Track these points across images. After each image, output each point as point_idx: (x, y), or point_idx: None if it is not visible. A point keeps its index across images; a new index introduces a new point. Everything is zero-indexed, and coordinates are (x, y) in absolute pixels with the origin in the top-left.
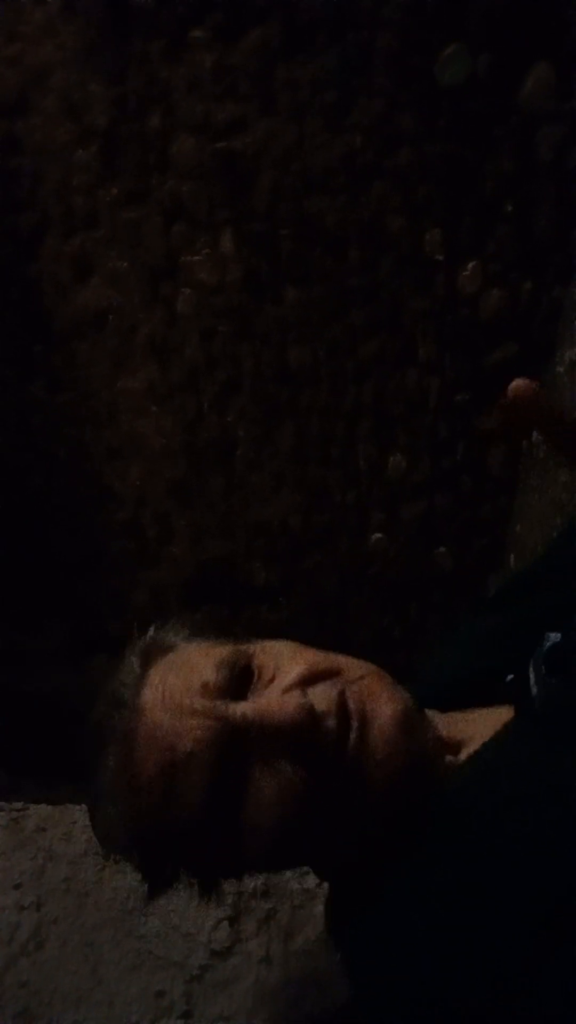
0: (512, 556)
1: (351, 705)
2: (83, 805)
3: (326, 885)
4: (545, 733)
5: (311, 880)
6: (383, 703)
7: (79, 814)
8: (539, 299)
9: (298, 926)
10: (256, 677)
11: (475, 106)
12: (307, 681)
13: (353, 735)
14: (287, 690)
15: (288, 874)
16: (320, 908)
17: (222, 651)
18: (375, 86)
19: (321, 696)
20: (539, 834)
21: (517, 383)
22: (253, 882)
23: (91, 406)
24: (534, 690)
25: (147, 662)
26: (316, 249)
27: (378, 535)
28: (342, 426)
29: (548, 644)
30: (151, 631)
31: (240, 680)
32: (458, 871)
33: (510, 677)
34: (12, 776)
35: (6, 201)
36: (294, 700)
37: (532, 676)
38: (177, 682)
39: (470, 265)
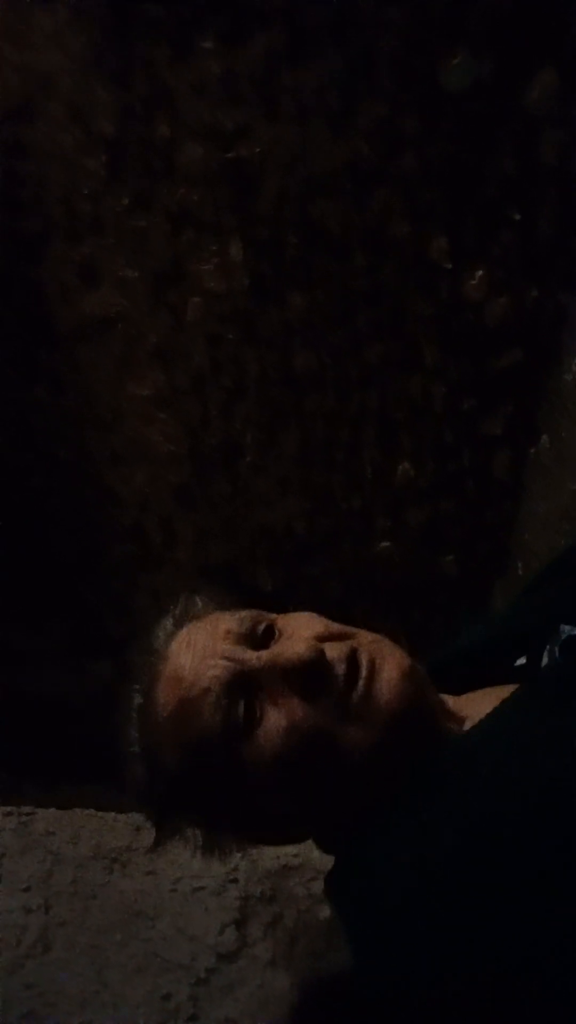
0: (519, 563)
1: (362, 657)
2: (91, 809)
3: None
4: (549, 699)
5: (317, 885)
6: (391, 658)
7: (87, 818)
8: (544, 305)
9: (304, 930)
10: (277, 635)
11: (479, 110)
12: (322, 638)
13: (361, 681)
14: (303, 639)
15: (294, 879)
16: (326, 912)
17: (247, 611)
18: (379, 91)
19: (333, 648)
20: (539, 793)
21: None
22: (260, 887)
23: (96, 410)
24: (544, 663)
25: (180, 621)
26: (321, 254)
27: (383, 541)
28: (347, 431)
29: (564, 635)
30: (184, 596)
31: (263, 636)
32: (458, 829)
33: (521, 661)
34: (13, 777)
35: (13, 207)
36: (307, 643)
37: (545, 658)
38: (203, 630)
39: (476, 271)
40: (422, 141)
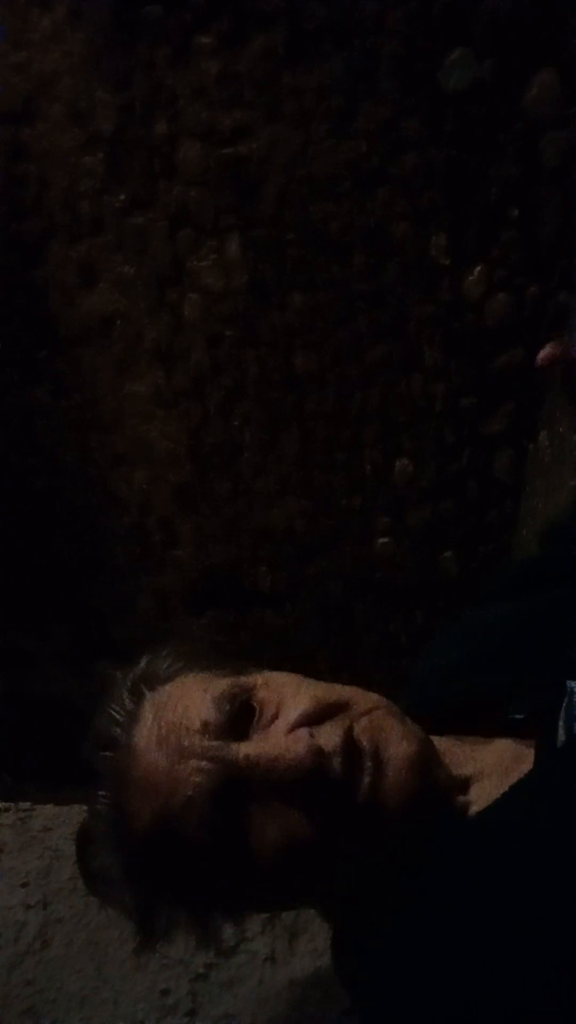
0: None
1: (363, 744)
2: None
3: None
4: (569, 789)
5: None
6: (396, 743)
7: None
8: (544, 304)
9: (303, 926)
10: (258, 713)
11: (480, 112)
12: (313, 718)
13: (366, 777)
14: (292, 729)
15: None
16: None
17: (221, 685)
18: (380, 92)
19: (328, 735)
20: (553, 889)
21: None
22: None
23: (96, 411)
24: (561, 740)
25: (140, 695)
26: (321, 255)
27: (384, 540)
28: (348, 431)
29: None
30: (143, 662)
31: (241, 717)
32: (470, 920)
33: (522, 716)
34: (17, 779)
35: (13, 207)
36: (301, 742)
37: (561, 729)
38: (174, 720)
39: (475, 270)
40: (423, 142)
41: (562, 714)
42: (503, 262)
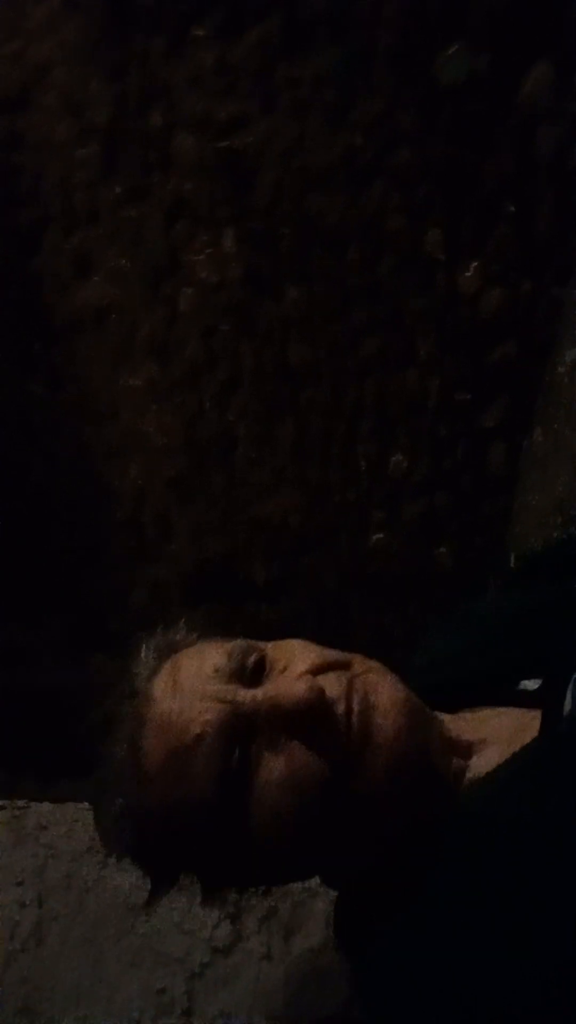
0: (512, 555)
1: (357, 693)
2: (85, 802)
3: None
4: (574, 755)
5: (312, 879)
6: (386, 692)
7: (81, 812)
8: (539, 299)
9: (299, 924)
10: (268, 668)
11: (475, 105)
12: (316, 670)
13: (356, 719)
14: (299, 677)
15: None
16: (321, 905)
17: (235, 643)
18: (376, 85)
19: (330, 683)
20: (561, 858)
21: None
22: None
23: (91, 403)
24: (567, 709)
25: (161, 656)
26: (316, 247)
27: (378, 534)
28: (342, 425)
29: None
30: (161, 630)
31: (253, 670)
32: (475, 889)
33: (533, 685)
34: (11, 774)
35: (7, 198)
36: (305, 682)
37: (569, 699)
38: (189, 667)
39: (470, 265)
40: (418, 135)
41: (571, 684)
42: (498, 257)
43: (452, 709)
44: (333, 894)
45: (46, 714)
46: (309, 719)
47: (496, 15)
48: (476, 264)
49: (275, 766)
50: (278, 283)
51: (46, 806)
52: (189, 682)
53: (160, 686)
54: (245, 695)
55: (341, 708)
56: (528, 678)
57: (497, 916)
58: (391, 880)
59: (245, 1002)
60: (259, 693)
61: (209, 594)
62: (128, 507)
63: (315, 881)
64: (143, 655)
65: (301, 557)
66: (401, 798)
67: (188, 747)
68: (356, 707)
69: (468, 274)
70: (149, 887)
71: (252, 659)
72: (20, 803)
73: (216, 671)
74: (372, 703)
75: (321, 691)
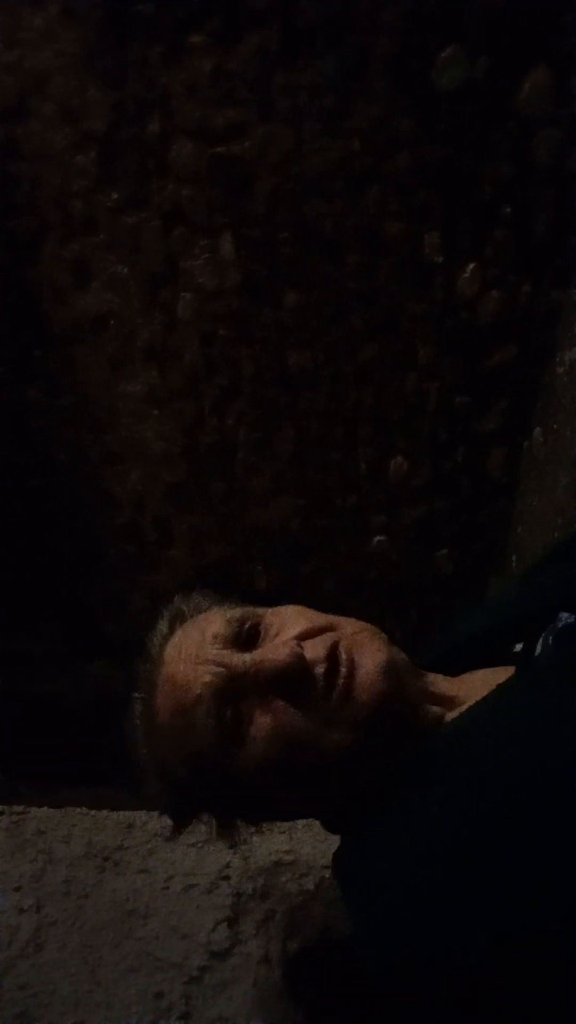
0: (513, 559)
1: (342, 654)
2: (83, 808)
3: (325, 887)
4: (541, 687)
5: (309, 881)
6: (370, 653)
7: (79, 817)
8: (537, 302)
9: (297, 928)
10: (263, 634)
11: (473, 110)
12: (304, 635)
13: (341, 680)
14: (285, 642)
15: (286, 876)
16: (319, 909)
17: (236, 611)
18: (373, 90)
19: (314, 646)
20: (531, 775)
21: None
22: (252, 884)
23: (90, 410)
24: (538, 651)
25: (174, 624)
26: (315, 253)
27: (378, 538)
28: (342, 430)
29: (561, 623)
30: (178, 598)
31: (249, 635)
32: (454, 810)
33: (518, 647)
34: (10, 779)
35: (5, 206)
36: (286, 648)
37: (539, 646)
38: (194, 635)
39: (469, 268)
40: (416, 140)
41: (544, 632)
42: (496, 260)
43: (456, 673)
44: (330, 898)
45: (45, 720)
46: (290, 680)
47: (493, 19)
48: (474, 268)
49: (262, 722)
50: (276, 289)
51: (45, 812)
52: (192, 648)
53: (169, 651)
54: (238, 659)
55: (322, 669)
56: (520, 643)
57: (475, 831)
58: (377, 814)
59: (243, 1006)
60: (249, 657)
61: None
62: (127, 513)
63: (312, 885)
64: (160, 623)
65: (301, 562)
66: (380, 745)
67: (190, 706)
68: (342, 668)
69: (466, 278)
70: (172, 824)
71: (248, 625)
72: (19, 808)
73: (215, 637)
74: (356, 662)
75: (300, 656)
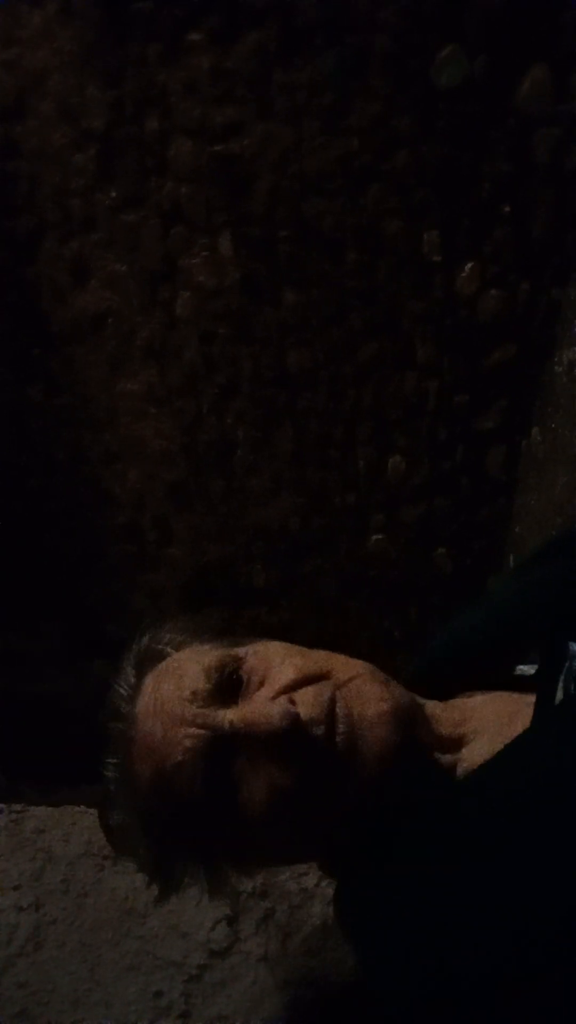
0: (512, 557)
1: (339, 709)
2: (82, 806)
3: (325, 884)
4: (566, 739)
5: (309, 880)
6: (372, 704)
7: (78, 815)
8: (537, 300)
9: (296, 926)
10: (246, 682)
11: (472, 108)
12: (295, 685)
13: (340, 738)
14: (275, 696)
15: (286, 874)
16: (318, 908)
17: (212, 656)
18: (372, 89)
19: (309, 701)
20: (543, 834)
21: None
22: (252, 882)
23: (89, 409)
24: (559, 698)
25: (142, 670)
26: (314, 252)
27: (378, 537)
28: (341, 429)
29: None
30: (145, 638)
31: (229, 685)
32: (460, 872)
33: (527, 669)
34: (10, 778)
35: (3, 205)
36: (279, 708)
37: (560, 692)
38: (169, 690)
39: (468, 267)
40: (415, 139)
41: (562, 675)
42: (495, 259)
43: (449, 692)
44: (329, 896)
45: (44, 720)
46: (284, 745)
47: (493, 17)
48: (473, 266)
49: (256, 784)
50: (276, 288)
51: (44, 810)
52: (168, 705)
53: (142, 708)
54: (222, 719)
55: (320, 730)
56: (522, 659)
57: (501, 887)
58: (382, 855)
59: (243, 1005)
60: (235, 717)
61: (209, 599)
62: (127, 513)
63: (311, 883)
64: (126, 669)
65: (300, 561)
66: (384, 795)
67: (171, 772)
68: (341, 726)
69: (465, 276)
70: (156, 890)
71: (227, 672)
72: (18, 807)
73: (194, 695)
74: (357, 716)
75: (295, 717)
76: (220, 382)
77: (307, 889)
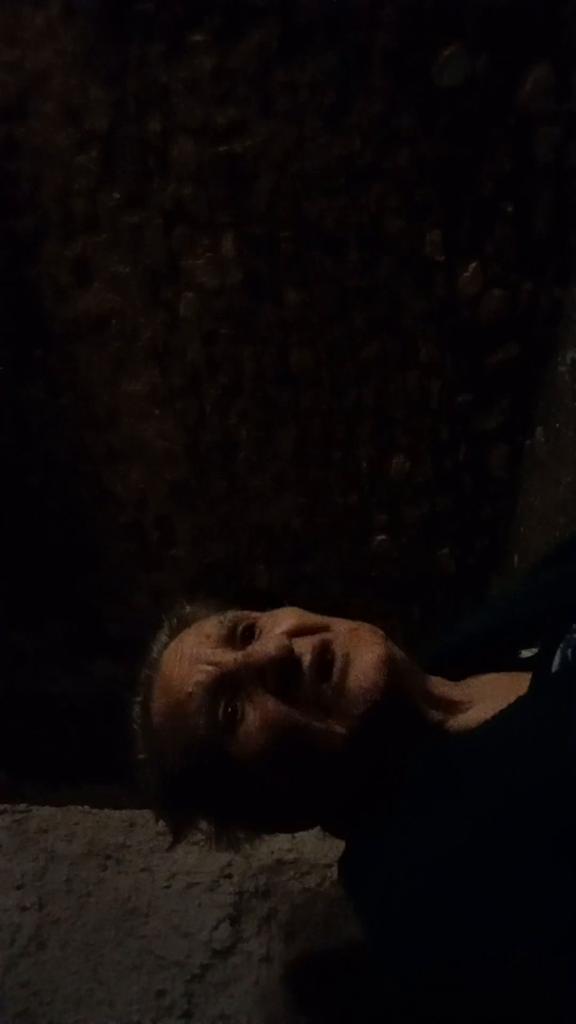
0: (515, 556)
1: (336, 649)
2: (85, 806)
3: (327, 885)
4: (561, 704)
5: (311, 879)
6: (366, 647)
7: (81, 815)
8: (539, 299)
9: (299, 925)
10: (257, 633)
11: (473, 107)
12: (295, 631)
13: (335, 673)
14: (274, 636)
15: (289, 874)
16: (320, 907)
17: (232, 614)
18: (374, 87)
19: (305, 642)
20: (546, 793)
21: None
22: (254, 882)
23: (92, 409)
24: (555, 668)
25: (173, 630)
26: (316, 251)
27: (380, 536)
28: (343, 428)
29: None
30: (184, 607)
31: (243, 636)
32: (466, 823)
33: (529, 653)
34: (12, 778)
35: (6, 204)
36: (275, 641)
37: (557, 661)
38: (189, 637)
39: (470, 266)
40: (417, 137)
41: (561, 645)
42: (497, 258)
43: (460, 676)
44: (331, 896)
45: (47, 719)
46: (278, 672)
47: (494, 16)
48: (476, 265)
49: (252, 715)
50: (278, 287)
51: (47, 810)
52: (187, 649)
53: (167, 655)
54: (229, 657)
55: (308, 661)
56: (527, 647)
57: (494, 843)
58: (385, 818)
59: (245, 1004)
60: (239, 654)
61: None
62: (129, 512)
63: (314, 883)
64: (162, 629)
65: (303, 560)
66: (378, 740)
67: (182, 703)
68: (336, 662)
69: (468, 276)
70: (171, 832)
71: (242, 626)
72: (21, 807)
73: (208, 637)
74: (350, 659)
75: (288, 648)
76: (222, 382)
77: (309, 888)
